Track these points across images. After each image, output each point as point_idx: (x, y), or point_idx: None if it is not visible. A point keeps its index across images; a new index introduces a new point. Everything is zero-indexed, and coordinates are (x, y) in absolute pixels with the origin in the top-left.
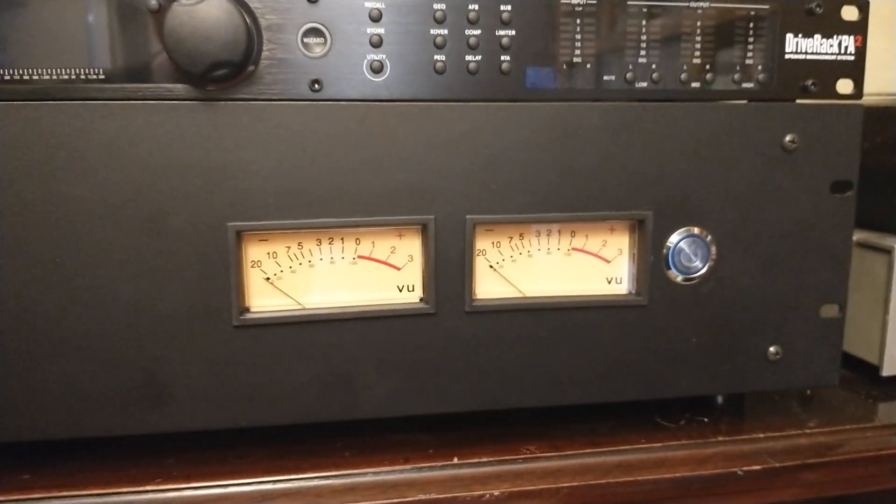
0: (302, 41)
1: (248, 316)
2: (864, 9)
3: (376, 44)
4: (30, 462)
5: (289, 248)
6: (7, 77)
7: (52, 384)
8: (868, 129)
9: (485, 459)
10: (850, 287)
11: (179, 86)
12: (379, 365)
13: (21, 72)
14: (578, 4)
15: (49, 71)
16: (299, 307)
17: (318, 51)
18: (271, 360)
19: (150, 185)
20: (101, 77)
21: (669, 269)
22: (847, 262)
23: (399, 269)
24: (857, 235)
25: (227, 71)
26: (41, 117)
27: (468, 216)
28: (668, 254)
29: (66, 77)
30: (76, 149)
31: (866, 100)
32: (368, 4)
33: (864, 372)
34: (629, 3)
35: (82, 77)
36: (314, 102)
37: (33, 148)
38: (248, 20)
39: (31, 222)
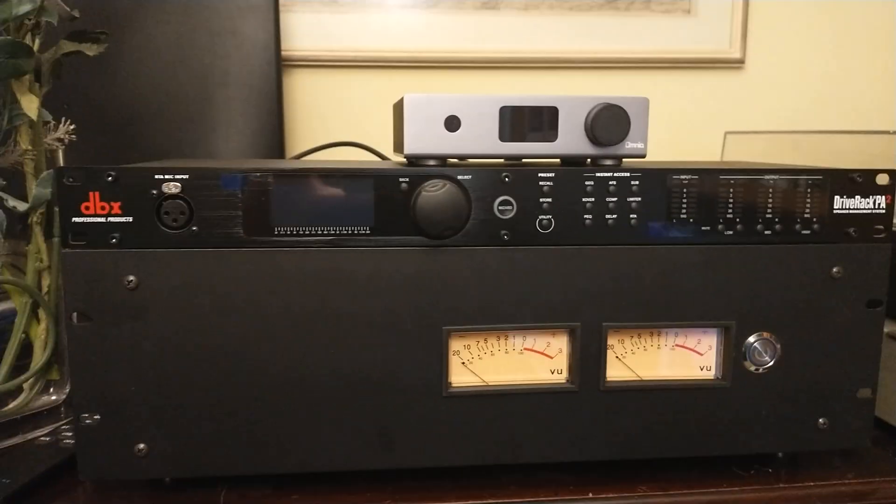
0: (497, 208)
1: (452, 389)
2: (893, 176)
3: (546, 209)
4: (297, 487)
5: (478, 342)
6: (306, 231)
7: (321, 436)
8: None
9: (611, 496)
10: (884, 368)
11: (417, 238)
12: (536, 425)
13: (313, 229)
14: (686, 180)
15: (336, 228)
16: (484, 383)
17: (508, 214)
18: (465, 419)
19: (394, 300)
20: (368, 232)
21: (746, 360)
22: (877, 359)
23: (552, 357)
24: (890, 328)
25: (452, 230)
26: (327, 258)
27: (604, 323)
28: (745, 350)
29: (346, 232)
30: (348, 278)
31: None
32: (542, 184)
33: (893, 434)
34: (720, 176)
35: (354, 232)
36: (503, 248)
37: (322, 278)
38: (466, 198)
39: (315, 327)
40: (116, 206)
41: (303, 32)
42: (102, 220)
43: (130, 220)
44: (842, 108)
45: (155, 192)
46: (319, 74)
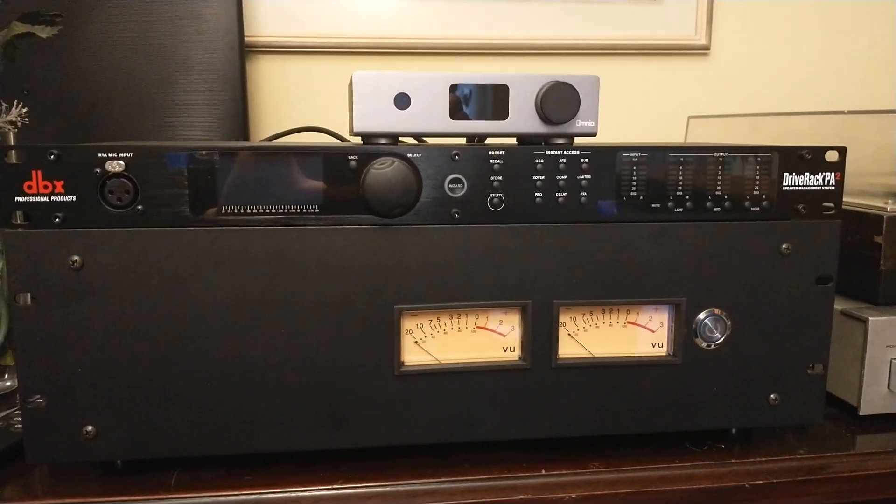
0: (448, 186)
1: (404, 368)
2: (842, 153)
3: (496, 188)
4: (250, 468)
5: (431, 320)
6: (254, 210)
7: (273, 417)
8: (851, 227)
9: (564, 472)
10: (836, 344)
11: (367, 216)
12: (489, 403)
13: (261, 208)
14: (635, 158)
15: (283, 207)
16: (437, 362)
17: (459, 192)
18: (418, 398)
19: (345, 280)
20: (316, 210)
21: (697, 337)
22: (828, 335)
23: (504, 335)
24: (844, 305)
25: (403, 209)
26: (275, 237)
27: (555, 300)
28: (696, 327)
29: (294, 210)
30: (297, 258)
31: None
32: (493, 162)
33: (847, 411)
34: (670, 154)
35: (304, 210)
36: (454, 226)
37: (270, 258)
38: (416, 176)
39: (264, 307)
40: (59, 185)
41: (268, 18)
42: (45, 199)
43: (74, 199)
44: (806, 92)
45: (98, 170)
46: (286, 60)
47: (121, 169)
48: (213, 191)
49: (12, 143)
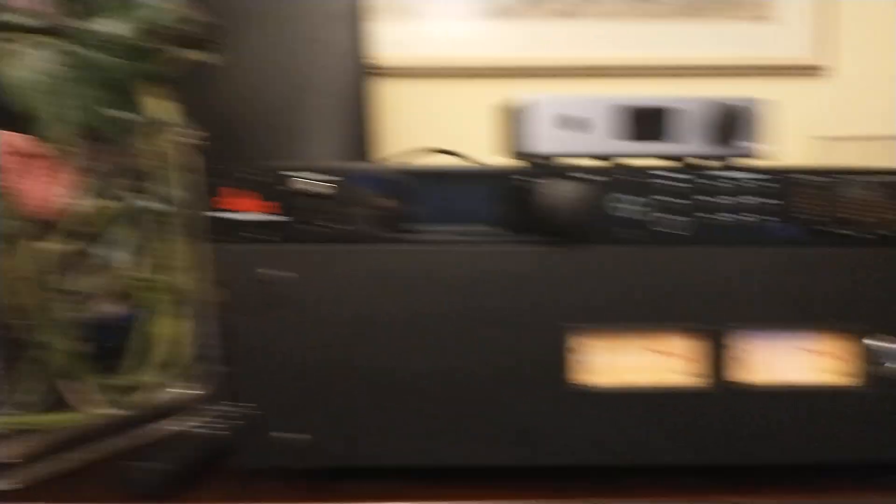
0: (619, 207)
1: (583, 388)
2: None
3: (667, 209)
4: (397, 480)
5: (604, 341)
6: (443, 230)
7: (467, 433)
8: None
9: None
10: None
11: (542, 237)
12: (666, 426)
13: (447, 228)
14: (816, 181)
15: (468, 227)
16: (612, 383)
17: (629, 213)
18: (595, 418)
19: (518, 299)
20: (496, 231)
21: (882, 364)
22: None
23: (678, 358)
24: None
25: (576, 229)
26: (462, 257)
27: (730, 323)
28: (881, 354)
29: (476, 231)
30: (468, 276)
31: None
32: (663, 182)
33: None
34: (854, 178)
35: (484, 231)
36: (628, 247)
37: (458, 276)
38: (589, 196)
39: (428, 325)
40: (267, 204)
41: (386, 41)
42: (253, 217)
43: (287, 218)
44: None
45: (301, 189)
46: (404, 84)
47: (324, 190)
48: (409, 211)
49: (193, 163)
